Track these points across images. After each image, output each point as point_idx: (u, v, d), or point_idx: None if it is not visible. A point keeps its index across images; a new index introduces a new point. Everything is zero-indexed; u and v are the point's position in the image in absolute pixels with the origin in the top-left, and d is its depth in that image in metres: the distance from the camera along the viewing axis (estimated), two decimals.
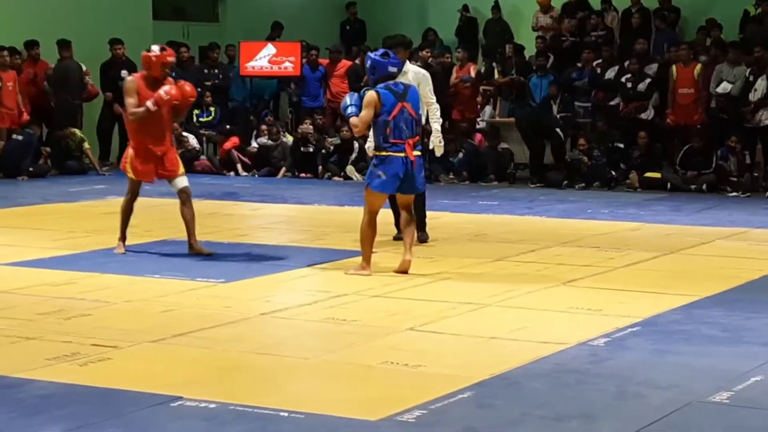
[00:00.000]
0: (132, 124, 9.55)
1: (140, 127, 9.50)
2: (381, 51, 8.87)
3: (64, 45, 17.18)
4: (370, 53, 8.99)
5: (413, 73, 10.25)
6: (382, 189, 8.70)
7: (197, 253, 9.53)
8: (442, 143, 10.45)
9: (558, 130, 16.19)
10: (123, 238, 9.73)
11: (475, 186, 15.82)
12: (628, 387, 5.69)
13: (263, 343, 6.70)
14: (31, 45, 17.18)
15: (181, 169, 9.68)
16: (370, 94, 8.62)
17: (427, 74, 10.43)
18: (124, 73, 17.49)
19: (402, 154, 8.60)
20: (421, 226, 10.23)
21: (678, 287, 8.29)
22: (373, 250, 8.77)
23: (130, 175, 9.62)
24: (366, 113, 8.60)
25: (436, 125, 10.27)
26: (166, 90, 9.35)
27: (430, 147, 10.46)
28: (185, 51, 18.29)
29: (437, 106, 10.35)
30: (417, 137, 8.77)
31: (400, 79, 9.82)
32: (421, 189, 9.07)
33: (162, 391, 5.53)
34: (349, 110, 8.70)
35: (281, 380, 5.97)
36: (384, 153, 8.61)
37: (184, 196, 9.59)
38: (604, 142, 15.92)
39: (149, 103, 9.31)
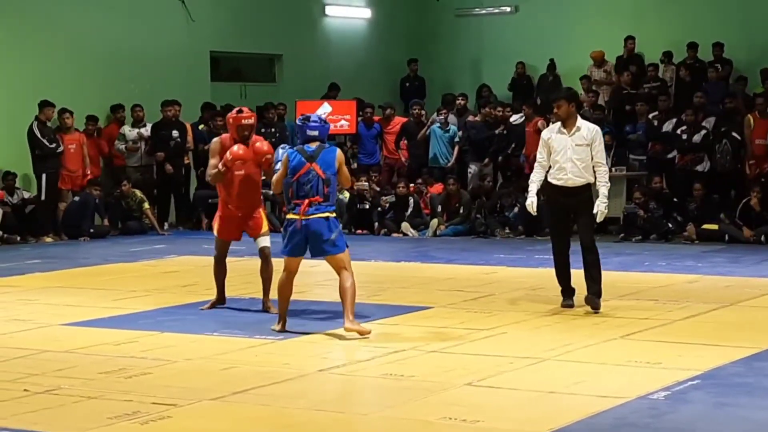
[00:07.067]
0: (218, 186, 9.67)
1: (222, 188, 9.63)
2: (303, 116, 8.76)
3: (116, 109, 17.76)
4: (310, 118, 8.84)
5: (587, 129, 9.56)
6: (290, 253, 8.60)
7: (266, 311, 9.61)
8: (605, 212, 9.60)
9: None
10: (219, 299, 9.99)
11: (531, 240, 15.78)
12: None
13: (322, 399, 6.73)
14: (117, 108, 17.75)
15: (264, 229, 9.76)
16: (284, 155, 8.68)
17: (600, 131, 9.71)
18: (175, 133, 17.81)
19: (297, 216, 8.47)
20: (596, 291, 9.59)
21: (738, 339, 8.23)
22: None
23: (215, 232, 9.80)
24: (279, 172, 8.67)
25: (603, 189, 9.57)
26: (232, 150, 9.34)
27: (594, 211, 9.59)
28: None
29: (606, 168, 9.68)
30: (318, 198, 8.47)
31: (574, 135, 9.46)
32: (332, 251, 8.55)
33: None
34: (277, 166, 8.79)
35: None
36: (289, 215, 8.57)
37: (263, 255, 9.69)
38: (661, 195, 15.86)
39: (219, 164, 9.41)
